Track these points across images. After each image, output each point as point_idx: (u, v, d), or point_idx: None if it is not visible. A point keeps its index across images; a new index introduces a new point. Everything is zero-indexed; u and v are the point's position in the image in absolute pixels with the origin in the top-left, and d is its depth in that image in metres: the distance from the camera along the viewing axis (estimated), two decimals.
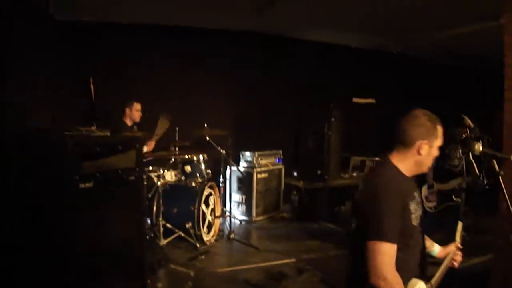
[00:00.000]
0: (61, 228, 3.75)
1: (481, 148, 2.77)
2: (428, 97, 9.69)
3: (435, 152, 2.66)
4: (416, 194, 2.63)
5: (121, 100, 7.02)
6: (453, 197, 5.77)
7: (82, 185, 3.77)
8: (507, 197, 2.80)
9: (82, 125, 4.45)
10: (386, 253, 2.41)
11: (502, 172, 2.84)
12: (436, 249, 2.99)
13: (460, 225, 3.11)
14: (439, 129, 2.65)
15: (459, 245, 3.04)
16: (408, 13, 7.05)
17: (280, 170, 8.53)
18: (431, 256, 2.96)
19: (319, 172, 8.25)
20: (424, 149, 2.61)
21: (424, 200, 5.84)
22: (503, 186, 2.82)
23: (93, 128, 4.36)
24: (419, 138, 2.60)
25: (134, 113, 6.91)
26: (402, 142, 2.65)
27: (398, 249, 2.45)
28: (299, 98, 9.03)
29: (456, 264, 2.98)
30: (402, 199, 2.50)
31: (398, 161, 2.65)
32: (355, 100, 10.07)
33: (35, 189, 3.78)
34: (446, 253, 2.98)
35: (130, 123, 6.92)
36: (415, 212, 2.56)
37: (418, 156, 2.62)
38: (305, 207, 8.22)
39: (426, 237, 2.88)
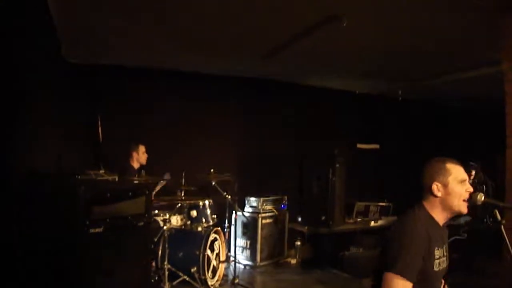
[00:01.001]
0: (71, 272, 3.80)
1: (482, 199, 2.84)
2: (433, 141, 9.87)
3: (458, 188, 2.71)
4: (445, 246, 2.72)
5: (127, 142, 7.14)
6: (461, 232, 5.93)
7: (92, 230, 3.85)
8: (510, 248, 2.84)
9: (89, 167, 4.55)
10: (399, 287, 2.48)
11: (504, 222, 2.88)
12: None
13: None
14: (450, 166, 2.73)
15: None
16: (412, 60, 7.22)
17: (284, 215, 8.55)
18: None
19: (323, 217, 8.27)
20: (439, 190, 2.70)
21: None
22: (505, 235, 2.85)
23: (101, 171, 4.46)
24: (430, 181, 2.72)
25: (141, 155, 7.04)
26: (423, 191, 2.78)
27: None
28: (303, 144, 9.14)
29: None
30: (427, 240, 2.58)
31: (429, 208, 2.75)
32: (359, 146, 10.17)
33: (45, 233, 3.85)
34: None
35: (137, 166, 7.04)
36: (439, 258, 2.64)
37: (437, 198, 2.71)
38: (310, 252, 8.21)
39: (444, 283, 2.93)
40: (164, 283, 6.03)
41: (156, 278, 6.14)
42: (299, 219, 8.78)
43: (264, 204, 8.15)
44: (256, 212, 8.11)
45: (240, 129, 8.78)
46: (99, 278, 3.90)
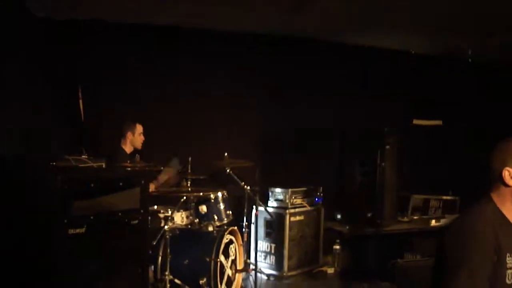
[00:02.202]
0: (44, 283, 3.79)
1: None
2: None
3: None
4: None
5: (116, 119, 7.13)
6: None
7: (72, 231, 3.82)
8: None
9: (68, 151, 4.51)
10: None
11: None
12: None
13: None
14: None
15: None
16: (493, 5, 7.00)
17: (319, 211, 8.51)
18: None
19: (369, 214, 8.21)
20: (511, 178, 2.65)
21: None
22: None
23: (84, 156, 4.43)
24: (501, 167, 2.67)
25: (138, 137, 7.02)
26: (491, 178, 2.74)
27: None
28: (344, 120, 9.05)
29: None
30: (497, 246, 2.52)
31: (498, 201, 2.70)
32: (416, 122, 10.05)
33: (10, 235, 3.84)
34: None
35: (129, 150, 7.02)
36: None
37: (509, 188, 2.67)
38: (352, 259, 8.17)
39: None
40: None
41: None
42: (338, 216, 8.75)
43: (293, 197, 8.10)
44: (282, 207, 8.07)
45: (262, 102, 8.72)
46: None
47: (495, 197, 2.70)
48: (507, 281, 2.56)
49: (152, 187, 6.69)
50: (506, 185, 2.66)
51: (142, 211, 4.34)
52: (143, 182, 4.39)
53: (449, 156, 9.76)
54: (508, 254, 2.56)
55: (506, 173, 2.65)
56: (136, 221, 4.30)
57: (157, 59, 7.97)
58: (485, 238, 2.51)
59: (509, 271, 2.56)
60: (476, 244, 2.49)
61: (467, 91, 10.17)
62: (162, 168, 6.87)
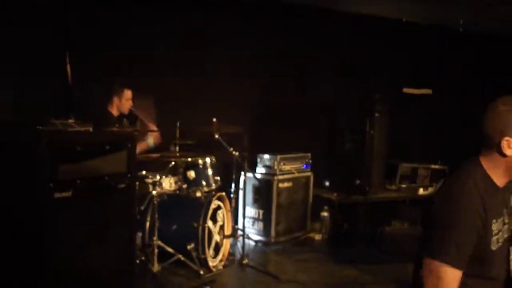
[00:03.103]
0: (31, 249, 3.76)
1: None
2: (505, 87, 9.62)
3: None
4: (505, 210, 2.63)
5: (104, 84, 7.04)
6: None
7: (58, 195, 3.80)
8: None
9: (55, 116, 4.46)
10: (446, 279, 2.41)
11: None
12: None
13: None
14: None
15: None
16: None
17: (308, 178, 8.51)
18: None
19: (358, 182, 8.21)
20: (510, 147, 2.56)
21: None
22: None
23: (71, 120, 4.38)
24: (498, 135, 2.56)
25: (124, 103, 6.92)
26: (484, 144, 2.64)
27: (467, 276, 2.45)
28: (334, 87, 9.00)
29: None
30: (482, 212, 2.48)
31: (488, 166, 2.63)
32: (406, 90, 10.02)
33: None
34: None
35: (116, 114, 6.94)
36: (497, 233, 2.55)
37: (504, 158, 2.58)
38: (340, 226, 8.19)
39: None
40: (153, 264, 6.06)
41: (143, 257, 6.16)
42: (327, 183, 8.76)
43: (282, 164, 8.10)
44: (271, 173, 8.06)
45: (251, 67, 8.62)
46: (66, 257, 3.86)
47: (484, 162, 2.63)
48: (492, 248, 2.53)
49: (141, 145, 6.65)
50: (503, 155, 2.56)
51: (129, 175, 4.31)
52: (129, 145, 4.35)
53: (439, 126, 9.75)
54: (494, 221, 2.53)
55: (505, 143, 2.54)
56: (123, 185, 4.27)
57: (147, 24, 7.85)
58: (472, 206, 2.47)
59: (494, 238, 2.53)
60: (463, 212, 2.45)
61: (457, 60, 10.14)
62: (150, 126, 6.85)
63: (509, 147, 2.54)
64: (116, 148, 4.23)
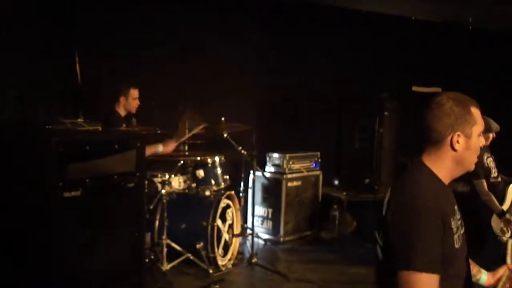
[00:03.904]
0: (39, 248, 3.76)
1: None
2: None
3: (478, 142, 2.57)
4: (456, 207, 2.59)
5: (112, 83, 7.03)
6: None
7: (67, 194, 3.79)
8: None
9: (65, 115, 4.47)
10: (424, 286, 2.33)
11: None
12: (484, 277, 2.93)
13: (510, 243, 3.03)
14: (474, 111, 2.55)
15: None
16: None
17: (317, 177, 8.50)
18: (479, 285, 2.91)
19: (367, 180, 8.20)
20: (460, 143, 2.52)
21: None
22: None
23: (80, 120, 4.40)
24: (448, 130, 2.52)
25: (131, 102, 6.88)
26: (430, 140, 2.58)
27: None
28: (343, 86, 8.98)
29: None
30: (442, 215, 2.42)
31: (433, 164, 2.58)
32: (415, 88, 9.98)
33: (5, 198, 3.80)
34: (497, 279, 2.91)
35: (124, 113, 6.92)
36: (457, 231, 2.51)
37: (455, 153, 2.54)
38: (349, 225, 8.17)
39: (471, 262, 2.83)
40: (162, 263, 6.07)
41: (152, 256, 6.17)
42: (336, 182, 8.75)
43: (291, 162, 8.09)
44: (280, 172, 8.06)
45: (261, 65, 8.62)
46: (75, 256, 3.85)
47: (428, 161, 2.57)
48: (456, 246, 2.48)
49: (172, 144, 6.55)
50: (453, 149, 2.53)
51: (138, 174, 4.29)
52: (138, 144, 4.34)
53: None
54: (451, 219, 2.46)
55: (455, 138, 2.51)
56: (132, 184, 4.26)
57: (155, 22, 7.86)
58: (431, 207, 2.38)
59: (456, 236, 2.47)
60: (425, 214, 2.36)
61: (467, 58, 10.10)
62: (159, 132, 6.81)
63: (458, 142, 2.51)
64: (125, 147, 4.22)
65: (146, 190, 6.13)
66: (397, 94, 8.62)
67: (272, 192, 8.05)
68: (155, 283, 5.72)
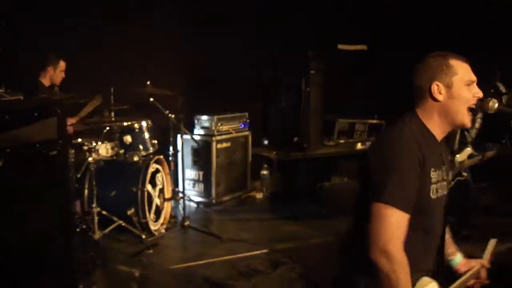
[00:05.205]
0: None
1: (496, 106, 2.74)
2: (442, 41, 9.67)
3: (464, 92, 2.62)
4: (445, 168, 2.66)
5: (34, 52, 6.86)
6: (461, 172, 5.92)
7: None
8: None
9: None
10: (394, 222, 2.40)
11: None
12: (457, 260, 2.99)
13: (492, 243, 3.09)
14: (455, 63, 2.63)
15: (487, 264, 3.02)
16: None
17: (246, 138, 8.54)
18: (450, 266, 2.98)
19: (295, 139, 8.28)
20: (441, 92, 2.61)
21: None
22: None
23: (1, 90, 4.27)
24: (428, 82, 2.63)
25: (58, 73, 6.80)
26: (417, 96, 2.70)
27: (409, 228, 2.45)
28: (269, 45, 8.94)
29: (477, 286, 2.97)
30: (420, 158, 2.51)
31: (424, 118, 2.67)
32: (341, 46, 10.05)
33: None
34: (469, 267, 2.96)
35: (48, 83, 6.79)
36: (437, 182, 2.59)
37: (437, 103, 2.62)
38: (280, 184, 8.25)
39: (452, 242, 2.97)
40: (94, 231, 6.00)
41: (84, 226, 6.10)
42: (265, 142, 8.80)
43: (219, 124, 8.10)
44: (209, 134, 8.07)
45: (184, 27, 8.50)
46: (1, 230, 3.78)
47: (420, 112, 2.67)
48: (432, 196, 2.56)
49: (73, 120, 6.50)
50: (435, 100, 2.62)
51: (60, 141, 4.20)
52: (59, 111, 4.25)
53: (374, 81, 9.81)
54: (432, 169, 2.55)
55: (435, 87, 2.60)
56: (55, 152, 4.15)
57: None
58: (410, 148, 2.49)
59: (433, 186, 2.56)
60: (402, 152, 2.47)
61: (391, 15, 10.16)
62: (82, 101, 6.69)
63: (439, 92, 2.60)
64: (45, 115, 4.13)
65: (72, 159, 6.08)
66: (323, 52, 8.64)
67: (202, 154, 8.05)
68: (88, 252, 5.66)
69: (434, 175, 2.57)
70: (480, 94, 2.65)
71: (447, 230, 2.96)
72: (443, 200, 2.69)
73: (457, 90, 2.61)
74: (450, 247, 2.97)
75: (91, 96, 6.62)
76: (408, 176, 2.45)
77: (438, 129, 2.67)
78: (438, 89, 2.60)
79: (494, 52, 8.04)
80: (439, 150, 2.69)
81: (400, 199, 2.41)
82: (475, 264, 2.98)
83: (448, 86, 2.60)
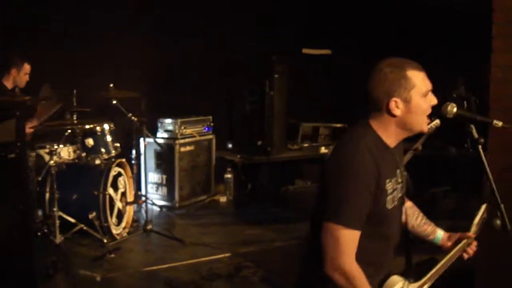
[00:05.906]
0: None
1: (454, 110, 2.75)
2: (405, 47, 9.75)
3: (422, 103, 2.56)
4: (399, 171, 2.66)
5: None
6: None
7: None
8: (488, 172, 2.81)
9: None
10: (346, 240, 2.41)
11: (482, 140, 2.83)
12: (439, 236, 3.02)
13: (482, 208, 3.08)
14: (412, 74, 2.54)
15: (473, 234, 3.01)
16: None
17: (210, 141, 8.53)
18: (434, 245, 3.00)
19: (259, 142, 8.28)
20: (399, 108, 2.54)
21: None
22: (484, 158, 2.82)
23: None
24: (386, 97, 2.54)
25: (22, 76, 6.68)
26: (372, 107, 2.62)
27: (364, 236, 2.46)
28: (232, 48, 8.93)
29: (466, 255, 2.97)
30: (375, 175, 2.49)
31: (378, 129, 2.61)
32: (305, 51, 10.09)
33: None
34: (454, 241, 2.98)
35: (11, 86, 6.69)
36: (392, 192, 2.58)
37: (395, 118, 2.56)
38: (244, 187, 8.25)
39: (427, 221, 2.99)
40: (55, 236, 5.93)
41: (45, 230, 6.04)
42: (229, 145, 8.78)
43: (183, 127, 8.09)
44: (172, 137, 8.05)
45: (150, 31, 8.46)
46: None
47: (374, 124, 2.61)
48: (388, 206, 2.56)
49: (33, 123, 6.42)
50: (392, 115, 2.55)
51: (18, 144, 4.15)
52: (18, 113, 4.19)
53: (338, 85, 9.86)
54: (387, 180, 2.54)
55: (393, 104, 2.52)
56: (13, 155, 4.10)
57: None
58: (365, 166, 2.46)
59: (389, 197, 2.55)
60: (356, 172, 2.43)
61: (355, 20, 10.23)
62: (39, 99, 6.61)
63: (397, 107, 2.52)
64: (3, 117, 4.08)
65: (33, 162, 6.02)
66: (287, 56, 8.66)
67: (165, 158, 8.03)
68: (49, 255, 5.59)
69: (389, 185, 2.56)
70: (435, 101, 2.60)
71: (418, 211, 3.04)
72: (399, 207, 2.70)
73: (415, 103, 2.54)
74: (426, 227, 3.00)
75: (52, 98, 6.57)
76: (360, 194, 2.44)
77: (393, 138, 2.63)
78: (396, 104, 2.52)
79: (456, 57, 8.16)
80: (392, 158, 2.66)
81: (353, 220, 2.42)
82: (461, 236, 2.99)
83: (406, 101, 2.53)
